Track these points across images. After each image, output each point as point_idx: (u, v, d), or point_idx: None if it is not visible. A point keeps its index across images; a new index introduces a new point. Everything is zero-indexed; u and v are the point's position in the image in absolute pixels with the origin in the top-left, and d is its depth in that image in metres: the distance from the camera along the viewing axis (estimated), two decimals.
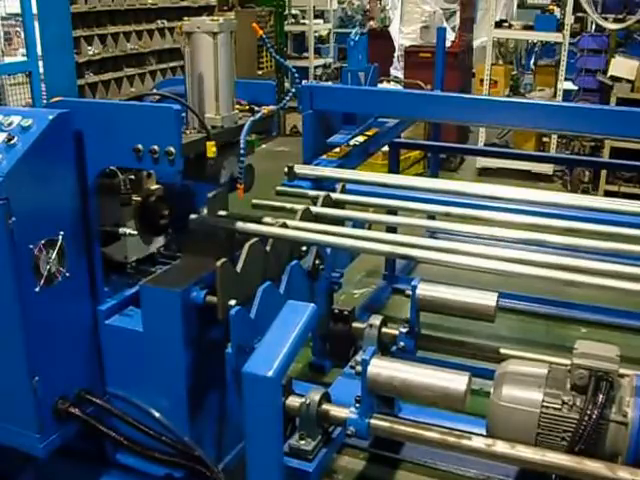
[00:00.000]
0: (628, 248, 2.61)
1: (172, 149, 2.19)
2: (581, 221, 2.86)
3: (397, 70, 9.51)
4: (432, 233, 4.38)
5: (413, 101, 3.85)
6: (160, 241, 2.81)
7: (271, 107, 2.70)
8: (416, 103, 3.83)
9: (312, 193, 3.12)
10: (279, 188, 3.20)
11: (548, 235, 2.68)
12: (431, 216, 3.44)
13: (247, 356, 2.33)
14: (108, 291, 2.56)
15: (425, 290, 2.75)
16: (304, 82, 2.90)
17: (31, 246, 2.18)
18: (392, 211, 3.31)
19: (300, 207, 2.89)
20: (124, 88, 7.83)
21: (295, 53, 11.82)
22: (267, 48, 2.79)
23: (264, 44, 2.81)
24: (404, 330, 2.80)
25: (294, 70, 2.80)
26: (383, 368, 2.33)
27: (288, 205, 3.02)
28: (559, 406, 2.29)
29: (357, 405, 2.30)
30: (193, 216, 2.68)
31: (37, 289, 2.22)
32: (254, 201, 3.05)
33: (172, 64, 8.57)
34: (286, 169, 3.30)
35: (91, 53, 7.27)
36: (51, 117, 2.21)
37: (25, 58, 6.33)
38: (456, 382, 2.26)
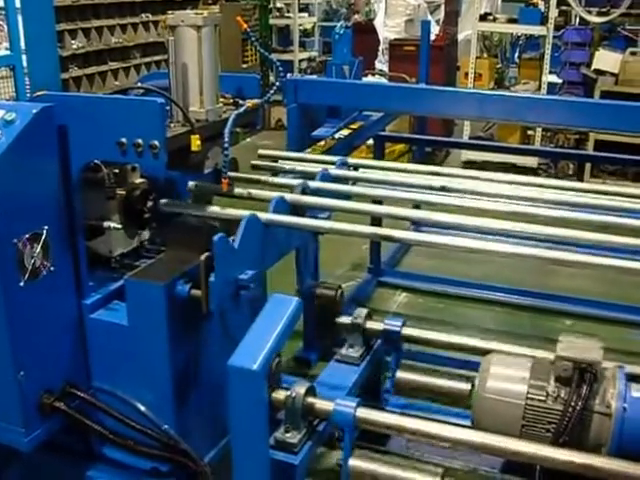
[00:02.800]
0: (611, 239, 2.64)
1: (156, 143, 2.18)
2: (567, 209, 2.87)
3: (382, 63, 9.52)
4: (416, 224, 4.41)
5: (398, 94, 3.86)
6: (145, 235, 2.80)
7: (255, 100, 2.70)
8: (401, 96, 3.84)
9: (294, 182, 3.10)
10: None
11: (532, 226, 2.69)
12: (415, 205, 3.45)
13: (231, 287, 2.37)
14: (93, 285, 2.55)
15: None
16: (289, 75, 2.90)
17: (15, 240, 2.16)
18: (376, 201, 3.31)
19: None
20: (108, 82, 7.79)
21: (280, 47, 11.77)
22: (252, 42, 2.79)
23: (249, 38, 2.80)
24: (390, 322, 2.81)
25: (278, 64, 2.79)
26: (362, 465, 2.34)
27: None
28: (544, 398, 2.32)
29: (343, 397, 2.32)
30: (164, 200, 2.67)
31: (22, 283, 2.21)
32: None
33: (157, 58, 8.53)
34: None
35: (75, 47, 7.22)
36: (35, 111, 2.19)
37: (8, 52, 6.28)
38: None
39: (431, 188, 2.96)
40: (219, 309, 2.37)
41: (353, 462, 2.33)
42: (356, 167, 3.26)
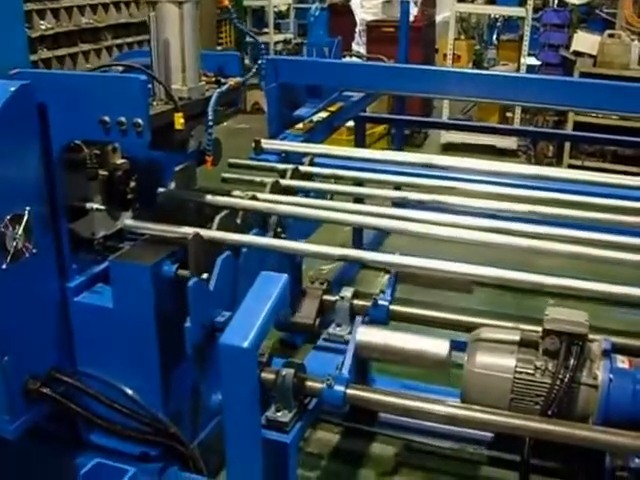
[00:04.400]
0: (591, 216, 2.67)
1: (140, 121, 2.15)
2: (545, 191, 2.90)
3: (359, 45, 9.45)
4: (400, 205, 4.40)
5: (379, 73, 3.85)
6: (127, 216, 2.76)
7: (238, 79, 2.67)
8: (382, 75, 3.83)
9: (281, 166, 3.10)
10: (232, 162, 3.17)
11: (514, 204, 2.73)
12: (397, 188, 3.45)
13: (207, 330, 2.35)
14: (76, 268, 2.51)
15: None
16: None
17: None
18: (359, 184, 3.31)
19: (269, 180, 2.88)
20: (79, 64, 7.67)
21: (255, 29, 11.65)
22: (232, 19, 2.75)
23: (229, 16, 2.77)
24: (379, 301, 2.80)
25: (260, 42, 2.77)
26: (372, 334, 2.44)
27: (257, 178, 3.00)
28: (532, 371, 2.32)
29: (339, 372, 2.31)
30: (161, 189, 2.64)
31: (4, 266, 2.16)
32: (224, 175, 3.03)
33: (128, 39, 8.42)
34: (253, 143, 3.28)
35: (44, 28, 7.08)
36: (13, 89, 2.13)
37: None
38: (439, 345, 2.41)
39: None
40: (195, 351, 2.35)
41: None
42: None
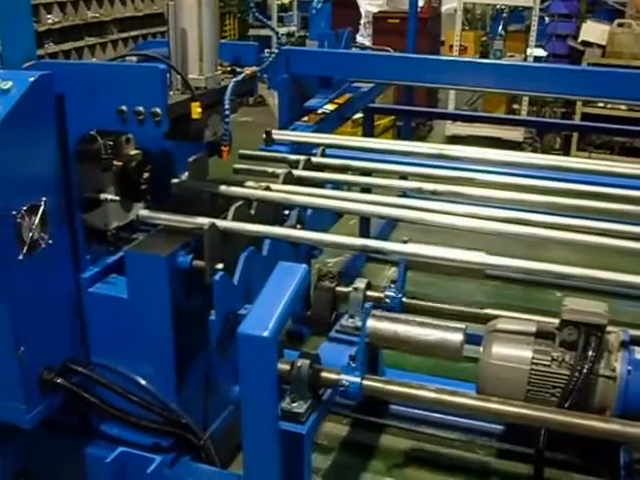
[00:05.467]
0: (605, 206, 2.66)
1: (158, 110, 2.14)
2: (559, 181, 2.89)
3: (364, 37, 9.43)
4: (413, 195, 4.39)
5: (390, 63, 3.84)
6: (140, 207, 2.75)
7: (254, 68, 2.66)
8: (393, 66, 3.82)
9: (292, 157, 3.09)
10: (242, 153, 3.17)
11: (524, 195, 2.72)
12: (405, 178, 3.44)
13: (231, 323, 2.33)
14: (89, 259, 2.51)
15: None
16: (266, 51, 2.86)
17: (14, 212, 2.11)
18: (368, 174, 3.30)
19: (282, 171, 2.87)
20: (85, 58, 7.67)
21: (257, 22, 11.60)
22: (250, 9, 2.74)
23: (247, 6, 2.75)
24: (391, 293, 2.79)
25: (277, 31, 2.75)
26: (383, 321, 2.40)
27: (269, 169, 2.99)
28: (549, 362, 2.31)
29: (352, 363, 2.30)
30: (175, 180, 2.63)
31: (20, 257, 2.16)
32: (235, 166, 3.02)
33: (134, 33, 8.40)
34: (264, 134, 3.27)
35: (50, 22, 7.08)
36: (32, 79, 2.12)
37: None
38: (453, 332, 2.38)
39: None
40: (218, 344, 2.34)
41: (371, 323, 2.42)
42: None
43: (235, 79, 2.51)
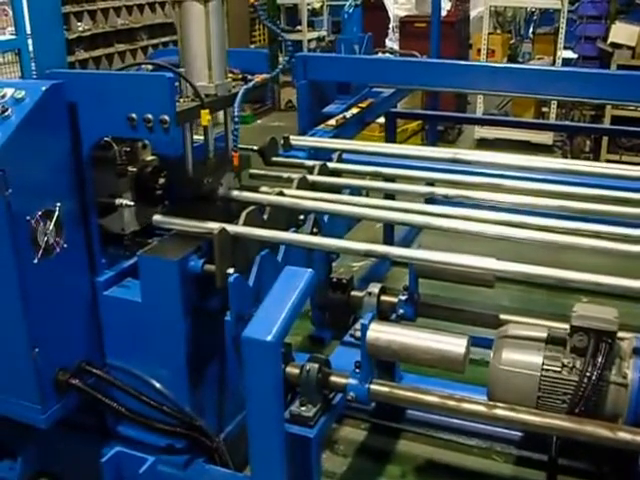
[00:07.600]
0: (624, 211, 2.63)
1: (166, 117, 2.18)
2: (580, 186, 2.85)
3: (392, 41, 9.42)
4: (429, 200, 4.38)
5: (408, 69, 3.82)
6: (156, 212, 2.80)
7: (264, 75, 2.68)
8: (411, 71, 3.80)
9: (309, 163, 3.11)
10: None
11: (548, 200, 2.68)
12: (429, 183, 3.43)
13: (246, 324, 2.35)
14: (105, 263, 2.56)
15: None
16: (281, 59, 2.90)
17: (28, 217, 2.17)
18: (389, 180, 3.30)
19: (297, 176, 2.89)
20: (115, 64, 7.80)
21: (288, 26, 11.66)
22: (259, 15, 2.76)
23: (256, 11, 2.78)
24: (403, 297, 2.79)
25: (287, 38, 2.77)
26: (382, 332, 2.35)
27: (285, 174, 3.01)
28: (559, 369, 2.29)
29: (357, 370, 2.31)
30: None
31: (35, 261, 2.22)
32: (251, 171, 3.05)
33: (164, 39, 8.51)
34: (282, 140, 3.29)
35: (81, 29, 7.22)
36: (44, 88, 2.19)
37: (14, 36, 6.26)
38: (455, 344, 2.29)
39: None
40: (234, 344, 2.35)
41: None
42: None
43: (245, 86, 2.54)
